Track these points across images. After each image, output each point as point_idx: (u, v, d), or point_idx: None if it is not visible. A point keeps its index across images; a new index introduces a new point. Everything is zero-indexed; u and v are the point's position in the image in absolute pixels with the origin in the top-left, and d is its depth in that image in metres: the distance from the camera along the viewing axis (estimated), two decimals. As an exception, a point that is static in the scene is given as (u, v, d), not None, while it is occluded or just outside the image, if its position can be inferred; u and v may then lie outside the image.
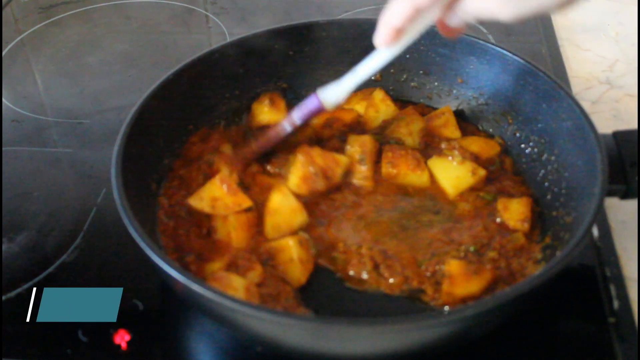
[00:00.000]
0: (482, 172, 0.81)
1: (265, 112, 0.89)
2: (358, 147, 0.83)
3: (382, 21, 0.70)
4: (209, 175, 0.80)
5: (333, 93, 0.80)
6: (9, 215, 0.84)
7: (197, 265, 0.72)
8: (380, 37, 0.71)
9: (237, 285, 0.67)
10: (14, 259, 0.78)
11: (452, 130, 0.87)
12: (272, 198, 0.77)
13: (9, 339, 0.69)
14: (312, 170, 0.79)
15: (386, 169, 0.82)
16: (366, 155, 0.83)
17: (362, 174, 0.82)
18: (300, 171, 0.80)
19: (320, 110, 0.81)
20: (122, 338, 0.69)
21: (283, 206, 0.76)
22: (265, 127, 0.87)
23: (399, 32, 0.69)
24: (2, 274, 0.76)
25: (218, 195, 0.77)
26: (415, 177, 0.82)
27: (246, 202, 0.77)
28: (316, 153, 0.81)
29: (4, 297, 0.74)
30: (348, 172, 0.82)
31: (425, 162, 0.83)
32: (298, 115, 0.82)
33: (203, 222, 0.77)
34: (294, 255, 0.72)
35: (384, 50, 0.74)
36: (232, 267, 0.71)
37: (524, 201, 0.77)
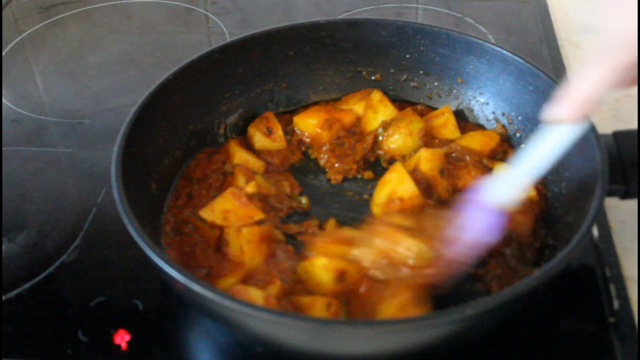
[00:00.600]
0: None
1: (261, 140, 0.88)
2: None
3: (569, 91, 0.59)
4: (222, 188, 0.80)
5: (504, 191, 0.67)
6: (9, 215, 0.84)
7: (208, 281, 0.69)
8: (565, 110, 0.59)
9: (256, 297, 0.66)
10: (14, 259, 0.78)
11: (451, 130, 0.87)
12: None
13: (9, 339, 0.69)
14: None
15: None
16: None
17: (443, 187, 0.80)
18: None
19: (498, 214, 0.67)
20: (122, 338, 0.69)
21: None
22: None
23: (593, 103, 0.58)
24: (2, 274, 0.76)
25: (230, 207, 0.76)
26: None
27: (258, 215, 0.76)
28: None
29: (4, 297, 0.74)
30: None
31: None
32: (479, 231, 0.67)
33: (211, 238, 0.75)
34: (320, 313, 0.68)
35: (566, 128, 0.62)
36: (249, 281, 0.70)
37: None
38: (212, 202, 0.77)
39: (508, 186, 0.68)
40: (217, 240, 0.74)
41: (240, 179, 0.81)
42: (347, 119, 0.90)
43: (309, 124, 0.89)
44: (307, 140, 0.89)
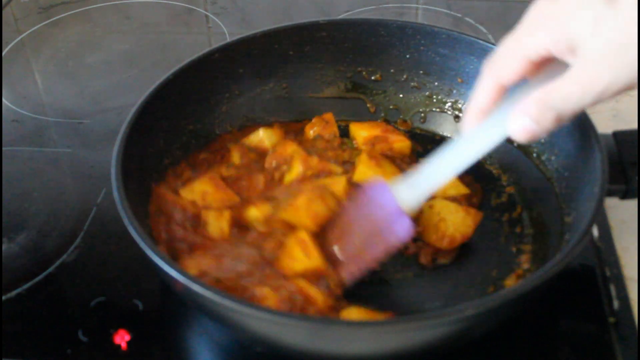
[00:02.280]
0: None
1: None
2: None
3: (469, 104, 0.64)
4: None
5: (410, 194, 0.68)
6: (9, 215, 0.84)
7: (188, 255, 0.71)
8: (466, 120, 0.64)
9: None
10: (14, 259, 0.78)
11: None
12: None
13: (9, 339, 0.69)
14: None
15: None
16: None
17: None
18: None
19: (400, 214, 0.68)
20: (122, 338, 0.69)
21: None
22: None
23: (483, 113, 0.63)
24: (2, 274, 0.76)
25: (207, 189, 0.78)
26: None
27: (234, 198, 0.78)
28: None
29: (4, 297, 0.74)
30: None
31: None
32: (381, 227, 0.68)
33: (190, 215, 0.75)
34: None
35: (470, 135, 0.65)
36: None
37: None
38: (192, 183, 0.79)
39: (414, 190, 0.69)
40: (196, 218, 0.75)
41: (235, 156, 0.82)
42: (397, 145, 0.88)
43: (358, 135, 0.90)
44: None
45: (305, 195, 0.74)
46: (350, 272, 0.70)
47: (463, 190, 0.81)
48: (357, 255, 0.70)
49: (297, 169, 0.81)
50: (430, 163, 0.69)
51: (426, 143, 0.90)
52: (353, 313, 0.67)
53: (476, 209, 0.78)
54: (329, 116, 0.91)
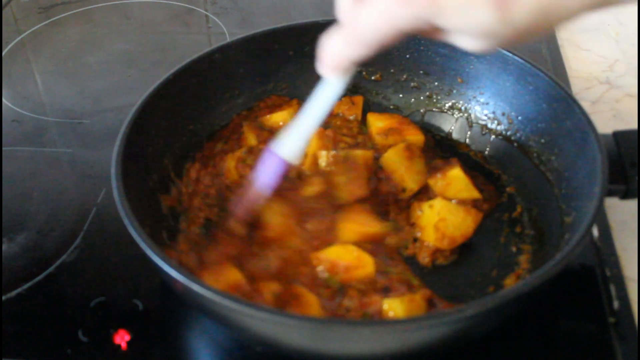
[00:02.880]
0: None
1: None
2: None
3: (332, 42, 0.61)
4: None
5: (291, 145, 0.72)
6: (9, 215, 0.84)
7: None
8: (331, 63, 0.61)
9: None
10: (14, 259, 0.78)
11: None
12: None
13: (9, 339, 0.69)
14: None
15: None
16: None
17: None
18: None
19: (286, 167, 0.73)
20: (122, 338, 0.69)
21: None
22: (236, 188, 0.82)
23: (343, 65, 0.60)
24: (2, 274, 0.76)
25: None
26: None
27: None
28: None
29: (4, 297, 0.74)
30: None
31: None
32: (266, 181, 0.74)
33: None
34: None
35: (335, 80, 0.65)
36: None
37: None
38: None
39: (293, 140, 0.72)
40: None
41: (251, 137, 0.84)
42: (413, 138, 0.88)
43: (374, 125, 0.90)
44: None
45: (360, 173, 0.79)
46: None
47: (475, 194, 0.80)
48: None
49: (315, 143, 0.83)
50: (302, 114, 0.71)
51: (426, 143, 0.89)
52: (348, 229, 0.74)
53: (477, 210, 0.78)
54: (357, 99, 0.93)
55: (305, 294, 0.68)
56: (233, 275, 0.69)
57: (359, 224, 0.77)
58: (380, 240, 0.77)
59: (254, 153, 0.84)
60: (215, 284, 0.66)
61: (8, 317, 0.72)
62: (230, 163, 0.84)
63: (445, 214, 0.75)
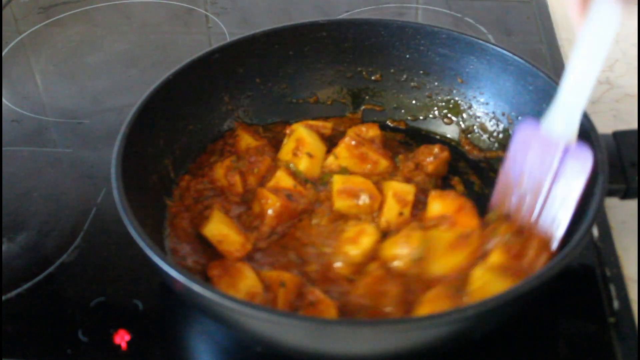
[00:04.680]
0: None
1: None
2: None
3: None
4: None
5: (563, 123, 0.61)
6: (9, 215, 0.84)
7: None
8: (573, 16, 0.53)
9: None
10: (14, 259, 0.78)
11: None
12: None
13: (9, 339, 0.69)
14: None
15: None
16: None
17: None
18: None
19: (557, 149, 0.62)
20: (122, 338, 0.69)
21: None
22: None
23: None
24: (2, 274, 0.76)
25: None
26: None
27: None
28: None
29: (4, 297, 0.74)
30: None
31: None
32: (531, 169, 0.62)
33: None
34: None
35: (586, 33, 0.55)
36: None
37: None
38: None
39: (566, 117, 0.62)
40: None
41: (246, 138, 0.85)
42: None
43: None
44: None
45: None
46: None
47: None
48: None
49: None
50: (567, 81, 0.62)
51: (425, 143, 0.89)
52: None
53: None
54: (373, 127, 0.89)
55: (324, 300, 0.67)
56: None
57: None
58: None
59: (246, 158, 0.84)
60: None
61: (8, 317, 0.72)
62: (219, 172, 0.83)
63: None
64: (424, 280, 0.69)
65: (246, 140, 0.87)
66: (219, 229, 0.75)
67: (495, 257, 0.66)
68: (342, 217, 0.78)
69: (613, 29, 0.57)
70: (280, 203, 0.77)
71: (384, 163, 0.84)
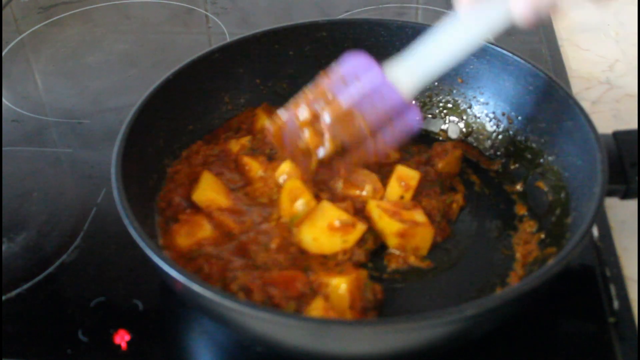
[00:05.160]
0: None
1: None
2: None
3: None
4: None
5: (407, 77, 0.61)
6: (9, 215, 0.84)
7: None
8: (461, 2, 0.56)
9: None
10: (14, 259, 0.78)
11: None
12: None
13: (9, 339, 0.69)
14: None
15: None
16: None
17: None
18: None
19: (395, 99, 0.62)
20: (122, 338, 0.69)
21: None
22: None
23: None
24: (2, 274, 0.76)
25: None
26: None
27: None
28: None
29: (4, 297, 0.74)
30: None
31: None
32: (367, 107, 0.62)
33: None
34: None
35: (468, 18, 0.58)
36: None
37: None
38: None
39: (411, 73, 0.65)
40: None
41: (263, 119, 0.85)
42: None
43: None
44: None
45: None
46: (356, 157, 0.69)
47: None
48: (364, 143, 0.68)
49: None
50: (425, 45, 0.63)
51: (425, 143, 0.89)
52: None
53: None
54: None
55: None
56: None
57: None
58: None
59: (260, 138, 0.86)
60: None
61: (8, 317, 0.72)
62: (234, 147, 0.85)
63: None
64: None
65: (263, 120, 0.88)
66: (206, 194, 0.78)
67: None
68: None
69: (490, 29, 0.60)
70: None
71: (394, 155, 0.85)
